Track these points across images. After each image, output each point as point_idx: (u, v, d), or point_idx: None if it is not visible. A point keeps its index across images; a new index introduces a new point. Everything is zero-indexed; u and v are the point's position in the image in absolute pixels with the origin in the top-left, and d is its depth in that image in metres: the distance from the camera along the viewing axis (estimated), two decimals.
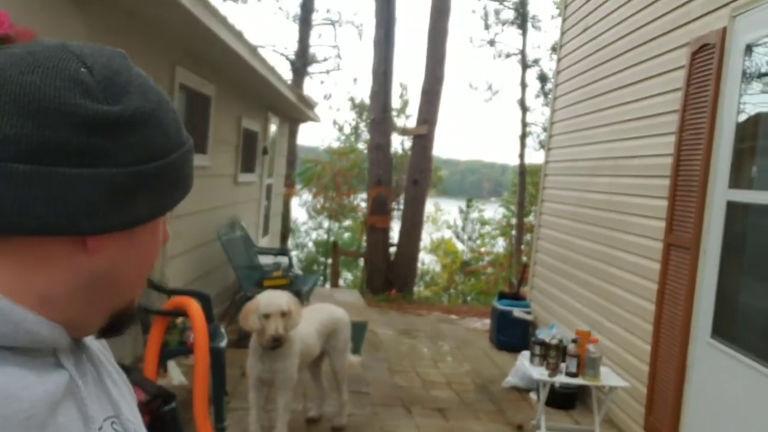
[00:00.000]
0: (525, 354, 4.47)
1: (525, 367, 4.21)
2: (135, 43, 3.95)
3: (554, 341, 3.94)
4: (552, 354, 3.91)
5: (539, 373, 3.90)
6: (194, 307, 3.86)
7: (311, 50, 17.57)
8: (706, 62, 3.63)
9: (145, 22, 3.91)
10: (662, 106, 4.24)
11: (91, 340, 0.78)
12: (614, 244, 4.83)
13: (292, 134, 14.76)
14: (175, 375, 4.60)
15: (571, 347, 3.86)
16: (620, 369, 4.38)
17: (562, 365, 3.91)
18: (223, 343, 4.09)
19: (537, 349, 4.04)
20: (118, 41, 3.69)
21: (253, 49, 5.25)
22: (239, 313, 6.16)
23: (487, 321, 7.59)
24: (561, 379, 3.88)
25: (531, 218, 17.64)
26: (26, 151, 0.53)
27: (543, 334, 4.84)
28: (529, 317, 6.48)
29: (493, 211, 20.34)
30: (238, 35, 4.71)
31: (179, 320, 4.13)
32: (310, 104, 9.48)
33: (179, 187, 0.64)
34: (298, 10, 16.61)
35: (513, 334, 6.46)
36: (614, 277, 4.77)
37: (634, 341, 4.37)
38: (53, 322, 0.58)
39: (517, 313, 6.46)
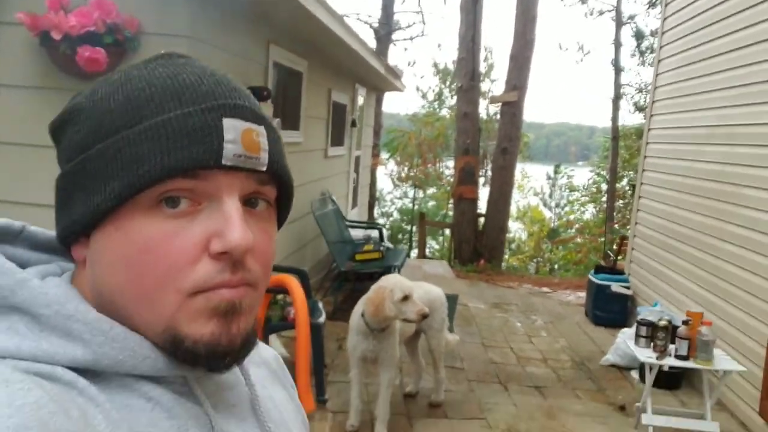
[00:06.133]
0: (626, 332, 4.29)
1: (629, 347, 4.04)
2: (232, 25, 4.00)
3: (663, 322, 3.75)
4: (660, 336, 3.72)
5: (646, 355, 3.73)
6: (295, 284, 3.95)
7: (395, 17, 17.37)
8: None
9: (241, 3, 3.94)
10: None
11: (266, 358, 0.75)
12: (727, 218, 4.53)
13: (378, 102, 14.73)
14: (276, 347, 4.75)
15: (682, 329, 3.66)
16: (734, 351, 4.14)
17: (671, 347, 3.73)
18: (322, 319, 4.17)
19: (643, 330, 3.86)
20: (216, 24, 3.74)
21: (346, 27, 5.20)
22: (333, 287, 6.27)
23: (581, 294, 7.38)
24: (670, 362, 3.70)
25: (623, 184, 16.92)
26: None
27: (645, 312, 4.64)
28: (628, 292, 6.25)
29: (583, 176, 19.56)
30: (332, 12, 4.67)
31: (280, 296, 4.24)
32: (397, 74, 9.39)
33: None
34: None
35: (611, 310, 6.27)
36: (727, 253, 4.48)
37: (749, 322, 4.11)
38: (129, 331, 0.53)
39: (615, 288, 6.23)
